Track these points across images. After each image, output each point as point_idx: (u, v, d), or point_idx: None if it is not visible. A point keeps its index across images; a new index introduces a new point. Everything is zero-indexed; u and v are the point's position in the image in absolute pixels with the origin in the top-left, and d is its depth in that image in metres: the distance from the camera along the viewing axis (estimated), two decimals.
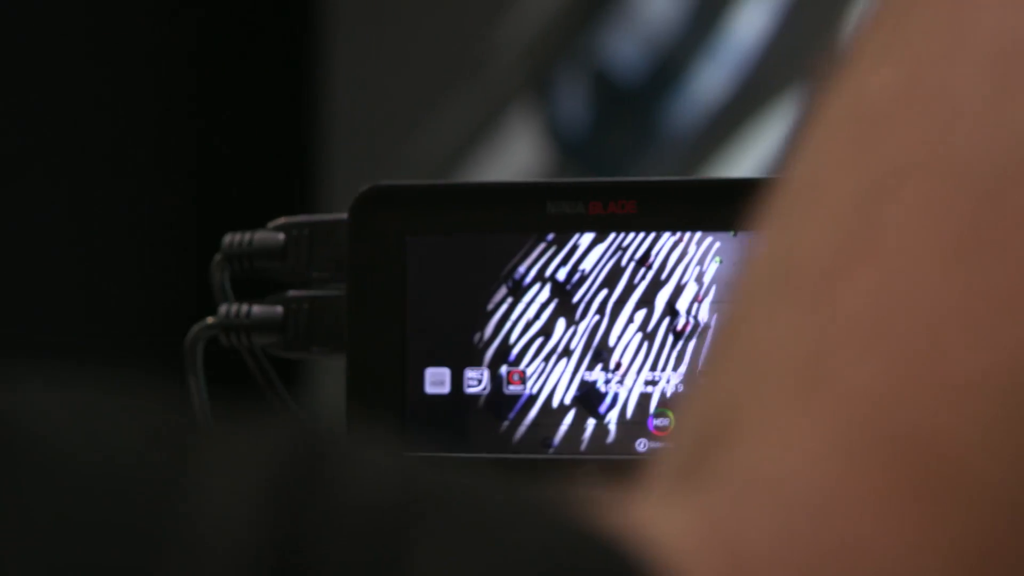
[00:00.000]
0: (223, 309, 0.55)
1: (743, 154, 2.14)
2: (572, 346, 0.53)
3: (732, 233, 0.53)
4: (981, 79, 0.32)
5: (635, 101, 2.30)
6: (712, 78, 2.21)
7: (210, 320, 0.57)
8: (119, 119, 2.67)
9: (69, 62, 2.43)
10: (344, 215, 0.55)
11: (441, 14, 2.48)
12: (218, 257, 0.57)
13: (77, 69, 2.50)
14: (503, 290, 0.53)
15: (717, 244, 0.52)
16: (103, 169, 2.61)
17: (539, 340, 0.54)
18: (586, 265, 0.53)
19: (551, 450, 0.54)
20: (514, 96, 2.36)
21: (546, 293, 0.53)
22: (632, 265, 0.52)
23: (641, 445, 0.54)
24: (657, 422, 0.53)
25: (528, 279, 0.53)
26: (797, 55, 2.14)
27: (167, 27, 2.75)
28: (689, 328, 0.53)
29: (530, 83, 2.35)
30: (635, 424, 0.53)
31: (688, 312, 0.53)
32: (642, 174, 2.16)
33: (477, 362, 0.54)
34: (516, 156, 2.28)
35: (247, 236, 0.56)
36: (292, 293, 0.57)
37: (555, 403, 0.54)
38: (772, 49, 2.20)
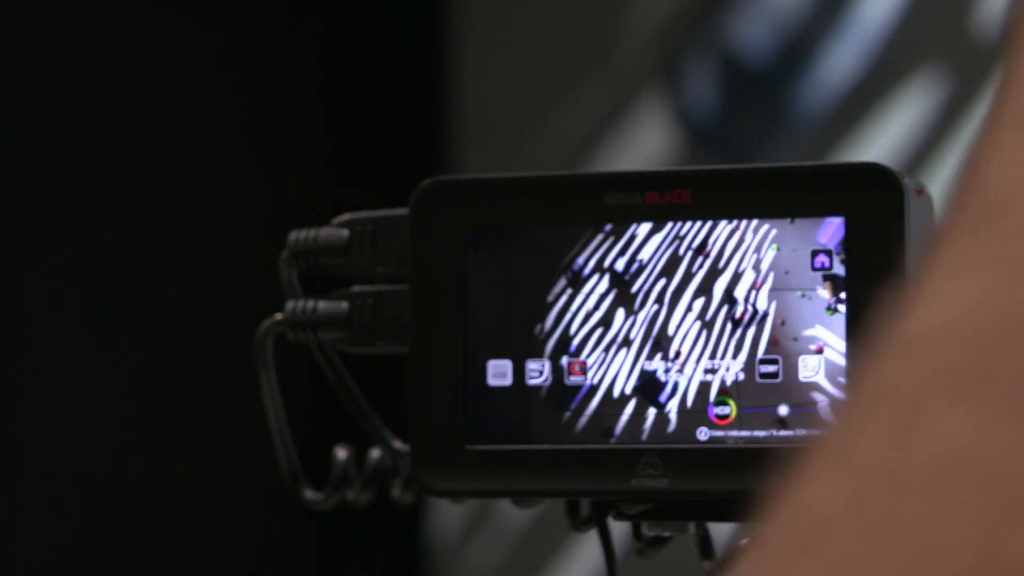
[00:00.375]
0: (290, 305, 0.57)
1: (872, 136, 2.14)
2: (632, 336, 0.54)
3: (789, 220, 0.53)
4: (922, 497, 0.30)
5: (764, 85, 2.30)
6: (841, 60, 2.21)
7: (278, 316, 0.59)
8: (251, 116, 2.75)
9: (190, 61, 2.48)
10: (406, 210, 0.57)
11: (569, 3, 2.52)
12: (285, 254, 0.59)
13: (205, 72, 2.55)
14: (562, 281, 0.54)
15: (774, 231, 0.53)
16: (241, 163, 2.67)
17: (599, 331, 0.55)
18: (644, 255, 0.54)
19: (612, 440, 0.55)
20: (643, 83, 2.36)
21: (605, 284, 0.54)
22: (690, 254, 0.53)
23: (702, 434, 0.54)
24: (717, 410, 0.54)
25: (587, 270, 0.54)
26: (926, 35, 2.14)
27: (296, 25, 2.82)
28: (748, 316, 0.54)
29: (659, 70, 2.36)
30: (696, 412, 0.54)
31: (746, 300, 0.54)
32: (772, 159, 2.21)
33: (538, 354, 0.55)
34: (646, 143, 2.35)
35: (312, 233, 0.57)
36: (357, 288, 0.59)
37: (616, 393, 0.56)
38: (901, 29, 2.19)
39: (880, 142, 2.13)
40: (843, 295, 0.53)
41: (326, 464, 0.62)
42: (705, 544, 0.62)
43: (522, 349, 0.54)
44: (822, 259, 0.52)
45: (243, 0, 2.78)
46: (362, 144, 2.69)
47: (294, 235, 0.58)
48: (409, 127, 2.72)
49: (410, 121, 2.73)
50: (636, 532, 0.63)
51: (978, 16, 2.11)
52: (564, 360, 0.55)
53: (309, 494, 0.61)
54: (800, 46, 2.21)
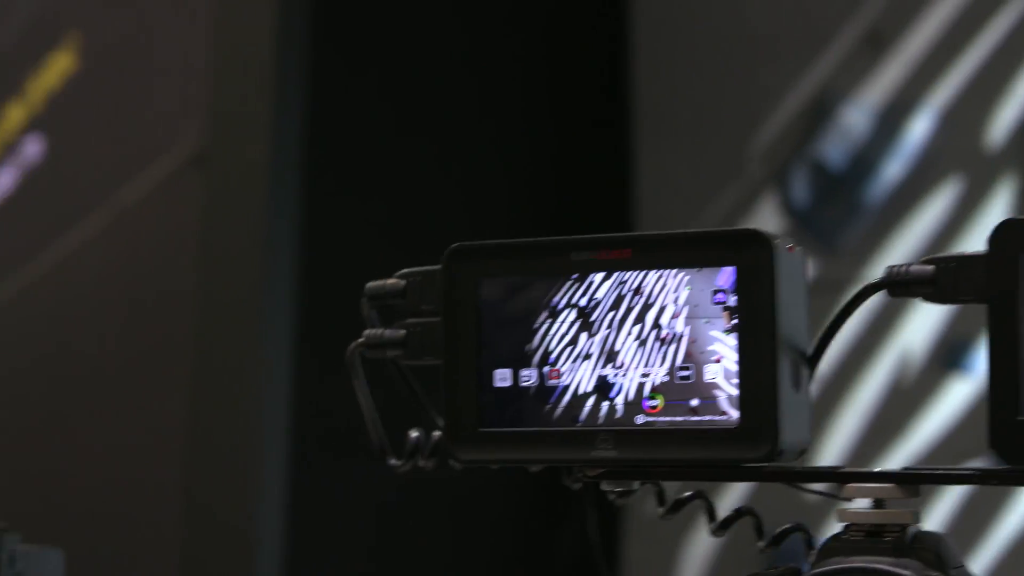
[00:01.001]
0: (366, 333, 0.81)
1: (917, 224, 3.16)
2: (591, 351, 0.76)
3: (697, 269, 0.75)
4: None
5: (842, 184, 3.25)
6: (894, 170, 3.18)
7: (359, 340, 0.83)
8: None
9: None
10: (439, 266, 0.80)
11: (714, 129, 3.45)
12: (364, 299, 0.83)
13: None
14: (544, 314, 0.76)
15: (687, 277, 0.74)
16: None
17: (569, 348, 0.77)
18: (599, 295, 0.76)
19: (579, 424, 0.77)
20: (763, 183, 3.34)
21: (573, 315, 0.76)
22: (630, 294, 0.75)
23: (640, 419, 0.76)
24: (650, 403, 0.75)
25: (560, 306, 0.76)
26: (957, 151, 3.09)
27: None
28: (670, 337, 0.76)
29: (773, 174, 3.31)
30: (635, 404, 0.75)
31: (669, 326, 0.75)
32: (850, 240, 3.22)
33: (528, 364, 0.77)
34: (764, 224, 2.96)
35: (381, 283, 0.81)
36: (411, 320, 0.82)
37: (580, 391, 0.76)
38: (936, 147, 3.12)
39: (922, 227, 3.08)
40: (735, 321, 0.74)
41: (403, 440, 0.86)
42: (660, 496, 0.84)
43: (518, 361, 0.76)
44: (720, 296, 0.73)
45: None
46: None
47: (370, 285, 0.82)
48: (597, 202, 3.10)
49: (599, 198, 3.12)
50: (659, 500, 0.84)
51: (992, 134, 3.03)
52: (546, 369, 0.76)
53: (392, 461, 0.86)
54: (866, 157, 3.11)
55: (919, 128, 2.99)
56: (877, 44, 3.04)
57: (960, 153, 2.97)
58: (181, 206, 2.58)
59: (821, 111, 3.10)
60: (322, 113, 2.56)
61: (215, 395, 2.60)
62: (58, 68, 3.01)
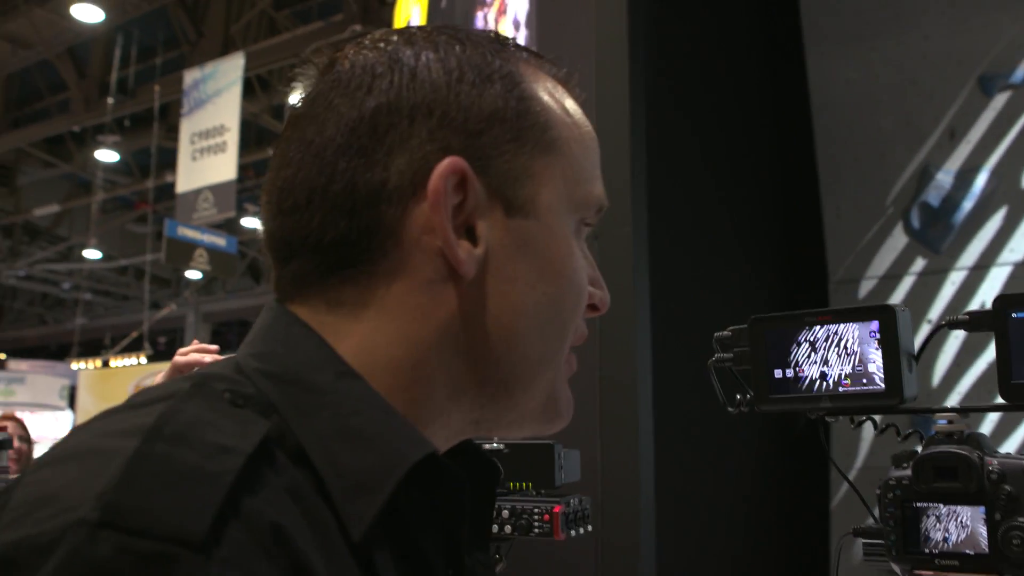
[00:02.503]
0: (716, 355, 1.15)
1: (983, 235, 3.73)
2: (815, 360, 1.08)
3: (862, 322, 1.04)
4: None
5: (938, 216, 3.79)
6: (967, 205, 3.81)
7: (712, 358, 1.15)
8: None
9: None
10: (746, 325, 1.11)
11: (858, 192, 4.10)
12: (714, 339, 1.15)
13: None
14: (794, 344, 1.10)
15: (856, 325, 1.04)
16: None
17: (805, 358, 1.09)
18: (819, 335, 1.08)
19: (812, 392, 1.09)
20: (894, 220, 3.90)
21: (807, 345, 1.09)
22: (832, 335, 1.07)
23: (840, 389, 1.06)
24: (844, 381, 1.06)
25: (801, 340, 1.09)
26: (1002, 193, 3.68)
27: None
28: (851, 352, 1.06)
29: (900, 214, 3.89)
30: (836, 382, 1.06)
31: (850, 347, 1.06)
32: (945, 246, 3.71)
33: (789, 366, 1.10)
34: (895, 243, 3.91)
35: (722, 333, 1.14)
36: (736, 349, 1.13)
37: (812, 378, 1.09)
38: (989, 190, 3.73)
39: (984, 235, 3.65)
40: (880, 344, 1.04)
41: (733, 400, 1.15)
42: (874, 424, 1.09)
43: (784, 365, 1.09)
44: (874, 332, 1.07)
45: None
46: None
47: (717, 334, 1.15)
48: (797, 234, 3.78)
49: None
50: (874, 425, 1.22)
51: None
52: (796, 368, 1.09)
53: (729, 409, 1.16)
54: (951, 199, 3.72)
55: (980, 181, 3.77)
56: (953, 135, 3.80)
57: (1005, 194, 3.75)
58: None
59: (925, 175, 3.82)
60: (658, 206, 2.91)
61: (612, 368, 2.75)
62: None
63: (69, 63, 11.80)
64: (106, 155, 12.56)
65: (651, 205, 2.85)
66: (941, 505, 1.05)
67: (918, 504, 1.06)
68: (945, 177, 3.80)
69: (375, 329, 0.74)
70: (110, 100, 11.31)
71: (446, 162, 0.72)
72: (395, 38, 0.79)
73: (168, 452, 0.59)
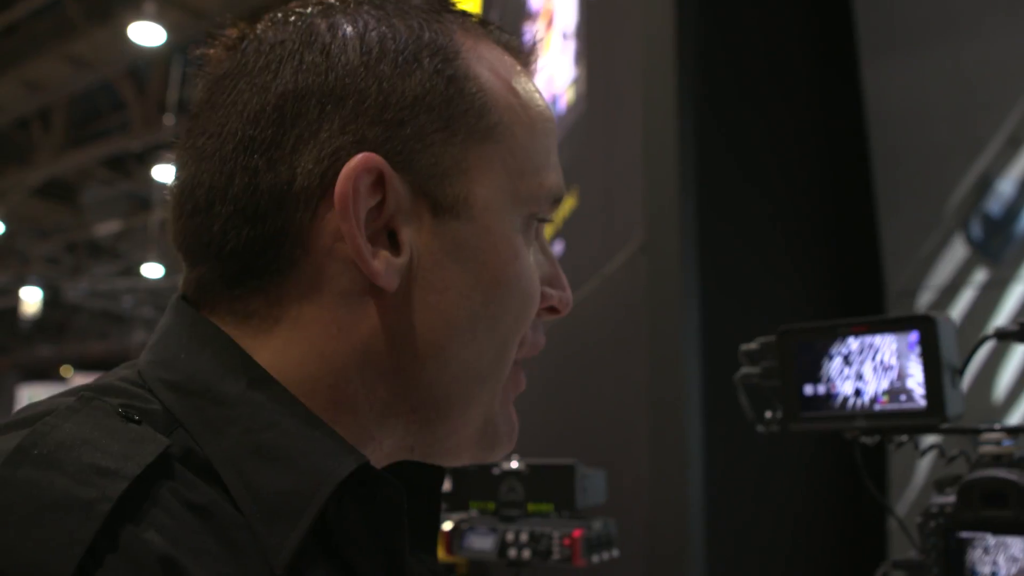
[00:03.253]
0: (742, 369, 1.06)
1: None
2: (849, 375, 1.00)
3: (900, 333, 0.95)
4: None
5: (998, 227, 3.49)
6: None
7: (738, 373, 1.07)
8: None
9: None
10: (774, 337, 1.04)
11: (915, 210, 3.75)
12: (740, 351, 1.07)
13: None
14: (826, 357, 1.01)
15: (894, 336, 0.96)
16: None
17: (838, 373, 1.00)
18: (852, 347, 0.99)
19: (845, 411, 1.00)
20: (954, 230, 3.54)
21: (840, 358, 1.00)
22: (867, 347, 0.98)
23: (876, 407, 0.98)
24: (881, 398, 0.97)
25: (833, 353, 1.00)
26: None
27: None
28: (888, 365, 0.98)
29: (959, 224, 3.53)
30: (872, 399, 0.98)
31: (887, 360, 0.97)
32: (1005, 256, 3.37)
33: (820, 381, 1.03)
34: (956, 253, 3.55)
35: (748, 345, 1.06)
36: (764, 363, 1.05)
37: (845, 394, 1.00)
38: None
39: None
40: (921, 356, 0.94)
41: (763, 418, 1.08)
42: (915, 444, 1.00)
43: (815, 380, 1.01)
44: (912, 345, 1.01)
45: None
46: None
47: (742, 347, 1.06)
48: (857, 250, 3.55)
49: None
50: (915, 446, 1.09)
51: None
52: (828, 383, 1.01)
53: (759, 428, 1.08)
54: (1012, 208, 3.46)
55: None
56: (1015, 143, 3.57)
57: None
58: (635, 278, 2.86)
59: (985, 184, 3.61)
60: (707, 217, 2.82)
61: (660, 381, 2.76)
62: (568, 204, 3.47)
63: (129, 83, 11.99)
64: (165, 173, 12.73)
65: (700, 218, 2.77)
66: (989, 535, 0.94)
67: (963, 534, 0.95)
68: (1006, 186, 3.59)
69: (287, 345, 0.65)
70: (168, 119, 11.46)
71: (356, 160, 0.63)
72: (311, 9, 0.69)
73: (32, 478, 0.51)
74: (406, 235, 0.65)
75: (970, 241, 3.80)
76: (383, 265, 0.64)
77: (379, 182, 0.64)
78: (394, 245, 0.66)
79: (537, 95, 0.73)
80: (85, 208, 14.24)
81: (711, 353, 2.64)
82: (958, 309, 3.75)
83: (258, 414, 0.61)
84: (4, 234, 14.66)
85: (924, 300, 3.83)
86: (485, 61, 0.70)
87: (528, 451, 1.65)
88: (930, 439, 1.07)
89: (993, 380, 3.42)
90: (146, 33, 10.08)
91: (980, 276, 3.72)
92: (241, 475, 0.58)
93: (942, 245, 3.85)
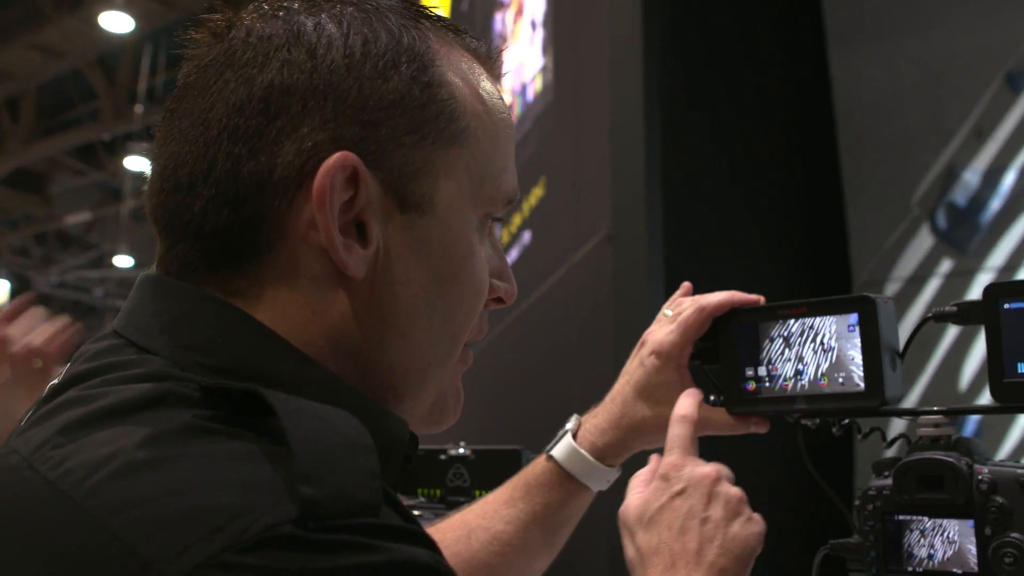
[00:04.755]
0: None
1: (1010, 235, 3.43)
2: (790, 357, 1.01)
3: (839, 315, 0.96)
4: None
5: (964, 216, 3.57)
6: (994, 205, 3.53)
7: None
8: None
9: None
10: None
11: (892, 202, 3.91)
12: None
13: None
14: (767, 340, 1.01)
15: (834, 319, 0.95)
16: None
17: (779, 356, 0.99)
18: (793, 330, 0.98)
19: (786, 392, 0.99)
20: (920, 220, 3.63)
21: (780, 341, 0.99)
22: (807, 329, 0.97)
23: (815, 389, 0.97)
24: (820, 380, 0.96)
25: (774, 335, 0.99)
26: None
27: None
28: (828, 347, 0.96)
29: (925, 214, 3.63)
30: (812, 382, 0.97)
31: (827, 342, 0.96)
32: (972, 246, 3.47)
33: (760, 364, 1.01)
34: (921, 243, 3.66)
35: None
36: (700, 344, 1.03)
37: (786, 376, 0.99)
38: (1017, 190, 3.44)
39: (1012, 235, 3.41)
40: (859, 338, 0.95)
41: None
42: (858, 428, 0.99)
43: (756, 363, 1.00)
44: (852, 327, 1.01)
45: None
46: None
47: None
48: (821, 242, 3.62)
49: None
50: (858, 430, 1.07)
51: None
52: (770, 367, 1.01)
53: (711, 398, 1.05)
54: (977, 199, 3.53)
55: (1008, 180, 3.58)
56: (980, 135, 3.61)
57: None
58: (602, 267, 2.84)
59: (951, 174, 3.65)
60: (674, 206, 2.71)
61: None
62: (537, 194, 3.46)
63: (99, 72, 11.88)
64: (136, 163, 12.65)
65: (667, 207, 2.78)
66: (926, 518, 0.93)
67: (900, 517, 0.94)
68: (972, 176, 3.64)
69: (269, 325, 0.68)
70: (139, 108, 11.37)
71: (335, 158, 0.67)
72: (296, 5, 0.72)
73: (316, 424, 0.58)
74: (374, 229, 0.69)
75: (936, 231, 3.81)
76: (351, 255, 0.68)
77: (353, 178, 0.67)
78: (362, 237, 0.69)
79: (500, 102, 0.78)
80: (55, 198, 14.13)
81: None
82: (924, 299, 3.76)
83: (316, 390, 0.64)
84: None
85: (891, 290, 3.84)
86: (456, 69, 0.74)
87: (494, 440, 1.66)
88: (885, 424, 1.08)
89: (960, 366, 3.44)
90: (116, 21, 10.01)
91: (946, 266, 3.74)
92: None
93: (908, 235, 3.87)
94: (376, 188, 0.69)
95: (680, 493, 0.91)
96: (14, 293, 16.00)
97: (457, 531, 1.13)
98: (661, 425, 1.03)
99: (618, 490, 1.00)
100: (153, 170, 0.72)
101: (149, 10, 10.22)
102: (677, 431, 0.97)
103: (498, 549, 1.10)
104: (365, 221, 0.69)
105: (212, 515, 0.51)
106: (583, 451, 1.12)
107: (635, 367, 1.12)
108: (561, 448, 1.13)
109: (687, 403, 1.00)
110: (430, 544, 0.58)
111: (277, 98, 0.67)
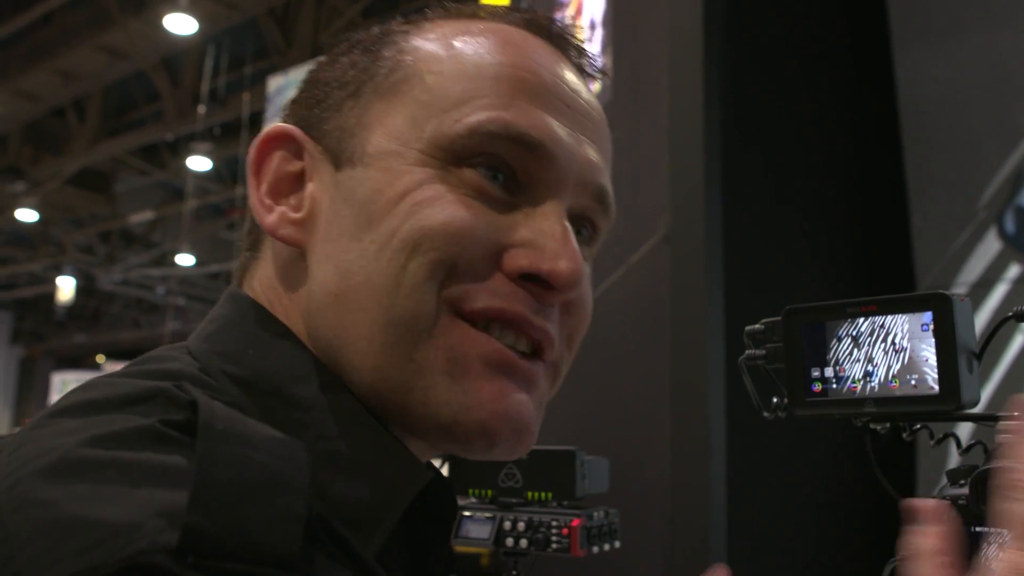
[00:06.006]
0: (747, 352, 1.00)
1: None
2: (859, 357, 0.95)
3: (912, 313, 0.89)
4: None
5: None
6: None
7: (743, 355, 1.01)
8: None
9: None
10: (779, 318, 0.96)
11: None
12: (745, 335, 1.01)
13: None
14: (834, 340, 0.96)
15: (907, 317, 0.91)
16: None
17: (847, 356, 0.94)
18: (863, 329, 0.93)
19: (855, 395, 0.93)
20: (987, 224, 3.49)
21: (849, 340, 0.93)
22: (878, 328, 0.92)
23: (885, 392, 0.92)
24: (891, 383, 0.91)
25: (842, 335, 0.94)
26: None
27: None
28: (900, 348, 0.91)
29: (992, 218, 3.50)
30: (883, 385, 0.92)
31: (899, 342, 0.91)
32: None
33: (827, 365, 0.97)
34: (988, 247, 3.49)
35: (753, 327, 1.00)
36: (768, 344, 0.98)
37: (855, 378, 0.94)
38: None
39: None
40: (934, 338, 0.92)
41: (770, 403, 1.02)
42: (930, 434, 0.94)
43: (822, 364, 0.95)
44: (926, 326, 0.93)
45: None
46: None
47: (748, 328, 1.01)
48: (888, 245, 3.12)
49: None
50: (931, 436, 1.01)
51: None
52: (836, 367, 0.95)
53: (765, 414, 1.01)
54: None
55: None
56: None
57: None
58: (659, 267, 2.80)
59: (1020, 177, 3.50)
60: (733, 208, 2.67)
61: (682, 370, 2.71)
62: None
63: (163, 74, 12.06)
64: (198, 163, 12.81)
65: (725, 208, 2.75)
66: (1004, 531, 0.88)
67: (977, 529, 0.86)
68: None
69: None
70: (201, 109, 11.53)
71: (266, 129, 0.71)
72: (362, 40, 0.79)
73: (234, 452, 0.53)
74: (310, 189, 0.70)
75: (1004, 235, 3.69)
76: (277, 218, 0.68)
77: (299, 152, 0.71)
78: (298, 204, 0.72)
79: (486, 45, 0.72)
80: (119, 197, 14.37)
81: (734, 343, 2.60)
82: (990, 305, 3.64)
83: (331, 421, 0.59)
84: (39, 223, 14.84)
85: None
86: (437, 33, 0.73)
87: (551, 442, 1.66)
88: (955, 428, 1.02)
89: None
90: (180, 23, 10.16)
91: (1014, 271, 3.62)
92: (316, 482, 0.55)
93: (975, 239, 3.75)
94: (317, 154, 0.71)
95: None
96: (79, 291, 16.34)
97: None
98: None
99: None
100: None
101: (213, 12, 10.36)
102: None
103: None
104: (304, 185, 0.71)
105: (94, 529, 0.47)
106: None
107: None
108: None
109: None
110: None
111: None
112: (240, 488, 0.49)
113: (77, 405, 0.56)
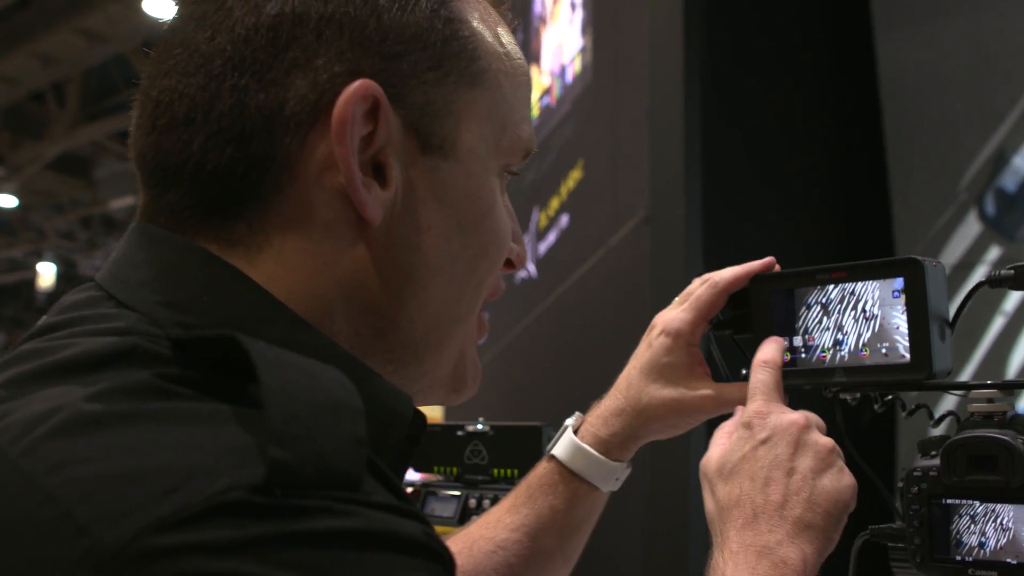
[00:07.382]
0: (711, 322, 0.96)
1: None
2: (828, 326, 0.94)
3: (883, 279, 0.87)
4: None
5: (1013, 202, 3.36)
6: None
7: (712, 322, 0.98)
8: None
9: None
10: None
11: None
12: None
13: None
14: (803, 308, 0.93)
15: (877, 283, 0.87)
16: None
17: (816, 325, 0.93)
18: (832, 296, 0.91)
19: (824, 364, 0.92)
20: (967, 206, 3.46)
21: (818, 308, 0.91)
22: (848, 295, 0.90)
23: (856, 361, 0.89)
24: (861, 351, 0.89)
25: (812, 303, 0.92)
26: None
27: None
28: (870, 315, 0.89)
29: (972, 199, 3.45)
30: (853, 353, 0.90)
31: (869, 309, 0.89)
32: (1022, 233, 3.27)
33: (796, 334, 0.95)
34: (969, 229, 3.46)
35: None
36: (733, 312, 0.96)
37: (824, 347, 0.92)
38: None
39: None
40: (905, 305, 0.85)
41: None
42: (902, 405, 0.92)
43: (791, 333, 0.93)
44: (897, 293, 0.91)
45: None
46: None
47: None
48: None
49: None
50: (903, 407, 1.00)
51: None
52: (806, 336, 0.93)
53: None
54: None
55: None
56: None
57: None
58: (639, 247, 2.78)
59: (1001, 159, 3.48)
60: (713, 189, 2.65)
61: None
62: (575, 176, 3.40)
63: (143, 58, 11.91)
64: None
65: (705, 189, 2.71)
66: (976, 503, 0.84)
67: (948, 501, 0.86)
68: (1022, 161, 3.42)
69: (271, 278, 0.62)
70: None
71: (356, 85, 0.61)
72: None
73: (300, 381, 0.52)
74: (394, 169, 0.64)
75: (984, 217, 3.68)
76: (371, 196, 0.63)
77: (373, 111, 0.62)
78: (380, 179, 0.64)
79: (517, 49, 0.74)
80: (100, 183, 14.26)
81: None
82: (970, 286, 3.62)
83: (310, 356, 0.58)
84: (19, 208, 14.72)
85: None
86: (474, 9, 0.70)
87: (526, 420, 1.57)
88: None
89: (1016, 339, 3.28)
90: (159, 7, 10.06)
91: (994, 253, 3.61)
92: None
93: (955, 221, 3.73)
94: (397, 125, 0.64)
95: (764, 442, 0.83)
96: (60, 277, 16.22)
97: (459, 544, 1.04)
98: (670, 409, 0.98)
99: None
100: (143, 108, 0.66)
101: None
102: (761, 376, 0.90)
103: (503, 559, 1.01)
104: (384, 161, 0.64)
105: (163, 475, 0.45)
106: (585, 446, 1.03)
107: (643, 350, 1.05)
108: (562, 445, 1.05)
109: (771, 348, 0.92)
110: (424, 523, 0.51)
111: (289, 27, 0.62)
112: (312, 415, 0.48)
113: (44, 370, 0.54)
